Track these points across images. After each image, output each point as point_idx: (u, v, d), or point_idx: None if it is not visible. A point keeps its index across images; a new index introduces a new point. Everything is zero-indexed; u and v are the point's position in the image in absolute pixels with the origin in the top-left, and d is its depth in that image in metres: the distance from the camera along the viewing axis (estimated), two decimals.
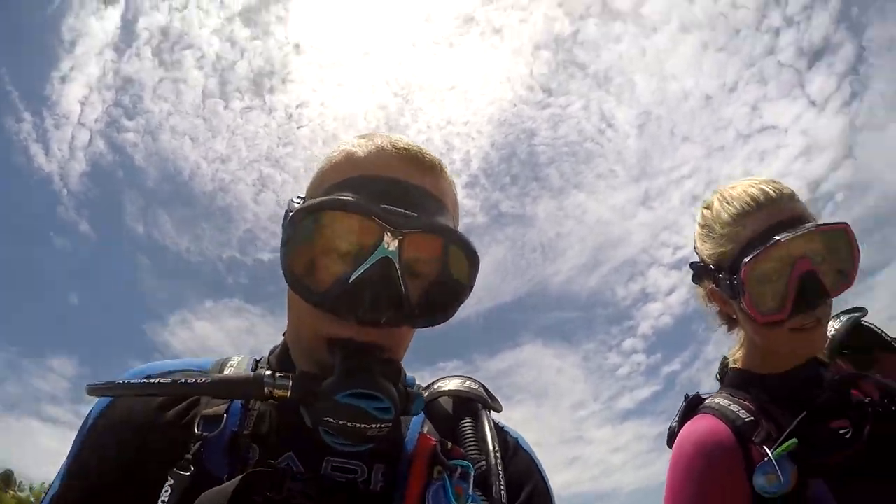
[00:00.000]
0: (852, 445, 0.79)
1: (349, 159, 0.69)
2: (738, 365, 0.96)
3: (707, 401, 0.91)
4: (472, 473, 0.64)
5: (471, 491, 0.63)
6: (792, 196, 0.87)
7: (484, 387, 0.79)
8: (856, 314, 0.96)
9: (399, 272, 0.61)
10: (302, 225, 0.64)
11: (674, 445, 0.87)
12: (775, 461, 0.76)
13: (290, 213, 0.65)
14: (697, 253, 0.96)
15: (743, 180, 0.91)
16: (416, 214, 0.61)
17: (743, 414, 0.84)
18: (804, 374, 0.88)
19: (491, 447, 0.69)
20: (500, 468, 0.67)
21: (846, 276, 0.84)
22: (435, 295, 0.68)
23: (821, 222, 0.84)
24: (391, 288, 0.61)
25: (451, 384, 0.78)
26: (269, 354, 0.79)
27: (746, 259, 0.82)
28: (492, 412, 0.77)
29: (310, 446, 0.64)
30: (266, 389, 0.60)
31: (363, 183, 0.64)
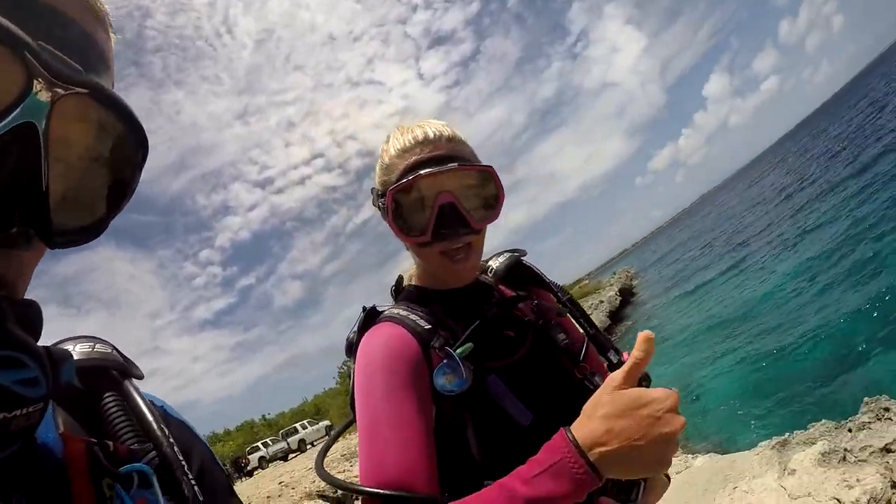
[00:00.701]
0: (518, 352, 0.95)
1: None
2: (414, 282, 1.08)
3: (386, 311, 0.97)
4: (153, 476, 0.44)
5: (161, 499, 0.44)
6: (451, 138, 0.97)
7: (116, 349, 0.55)
8: (516, 254, 1.12)
9: (44, 147, 0.36)
10: None
11: (360, 353, 0.90)
12: (454, 362, 0.85)
13: None
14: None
15: (420, 121, 1.02)
16: (81, 69, 0.39)
17: (422, 322, 0.92)
18: (474, 293, 1.01)
19: (158, 430, 0.49)
20: (180, 456, 0.48)
21: (491, 210, 0.96)
22: (85, 194, 0.42)
23: (471, 164, 0.97)
24: (29, 172, 0.35)
25: (76, 351, 0.52)
26: None
27: (392, 186, 0.93)
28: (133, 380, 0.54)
29: None
30: None
31: (15, 4, 0.38)
